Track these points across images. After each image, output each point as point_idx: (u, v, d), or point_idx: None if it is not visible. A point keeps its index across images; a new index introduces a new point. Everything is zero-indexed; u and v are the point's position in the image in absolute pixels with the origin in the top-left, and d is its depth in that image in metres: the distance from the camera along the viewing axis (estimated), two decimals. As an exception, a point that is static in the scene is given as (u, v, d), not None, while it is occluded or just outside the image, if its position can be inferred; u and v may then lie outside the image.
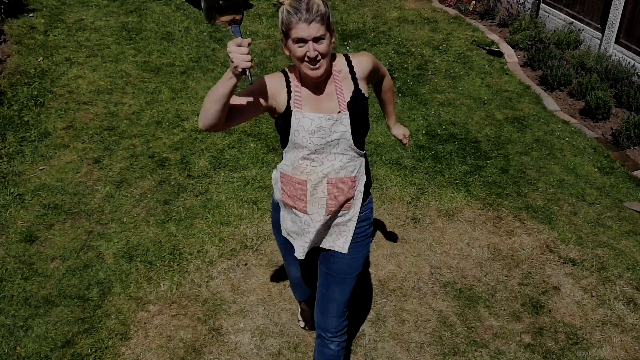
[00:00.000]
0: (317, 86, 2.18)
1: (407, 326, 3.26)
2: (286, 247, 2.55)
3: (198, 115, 2.18)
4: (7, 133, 4.68)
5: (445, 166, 4.58)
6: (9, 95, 5.17)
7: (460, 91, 5.69)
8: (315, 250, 2.47)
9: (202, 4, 2.08)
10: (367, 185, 2.37)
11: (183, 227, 3.88)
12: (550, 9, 6.98)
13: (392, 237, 3.87)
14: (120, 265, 3.56)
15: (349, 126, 2.17)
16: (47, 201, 4.03)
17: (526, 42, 6.59)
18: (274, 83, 2.16)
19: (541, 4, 7.11)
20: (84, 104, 5.17)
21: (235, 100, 2.09)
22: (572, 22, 6.61)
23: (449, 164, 4.60)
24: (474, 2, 7.72)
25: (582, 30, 6.49)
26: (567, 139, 5.02)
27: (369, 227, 2.44)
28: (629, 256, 3.79)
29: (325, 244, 2.38)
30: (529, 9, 7.28)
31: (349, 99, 2.19)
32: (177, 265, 3.59)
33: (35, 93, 5.23)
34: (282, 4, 2.04)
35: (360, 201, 2.32)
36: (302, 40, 2.02)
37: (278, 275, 3.54)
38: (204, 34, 6.57)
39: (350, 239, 2.35)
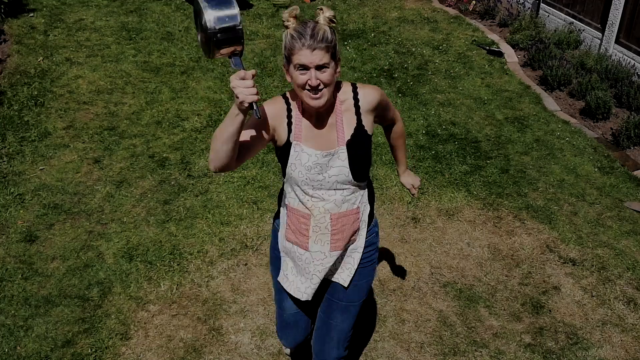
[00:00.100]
0: (318, 117, 2.06)
1: (407, 326, 3.26)
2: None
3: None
4: (7, 133, 4.68)
5: (446, 166, 4.58)
6: (9, 95, 5.17)
7: (460, 91, 5.69)
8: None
9: (198, 37, 1.87)
10: (371, 216, 2.26)
11: (183, 227, 3.88)
12: (551, 9, 6.98)
13: (391, 237, 3.87)
14: (120, 265, 3.56)
15: (346, 161, 2.05)
16: (47, 201, 4.03)
17: (526, 42, 6.59)
18: (275, 112, 2.04)
19: (541, 4, 7.11)
20: (84, 103, 5.17)
21: (241, 136, 1.93)
22: (572, 22, 6.61)
23: (449, 164, 4.61)
24: (474, 2, 7.72)
25: (582, 30, 6.49)
26: (567, 138, 5.02)
27: (375, 252, 2.33)
28: (629, 256, 3.79)
29: (328, 276, 2.26)
30: (529, 8, 7.28)
31: (349, 137, 2.06)
32: (177, 265, 3.59)
33: (36, 93, 5.23)
34: (286, 27, 1.92)
35: (365, 231, 2.22)
36: (304, 67, 1.90)
37: (278, 275, 3.54)
38: (204, 33, 6.57)
39: (353, 271, 2.24)
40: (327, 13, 1.92)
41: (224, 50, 1.79)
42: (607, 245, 3.88)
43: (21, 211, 3.94)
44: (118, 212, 3.97)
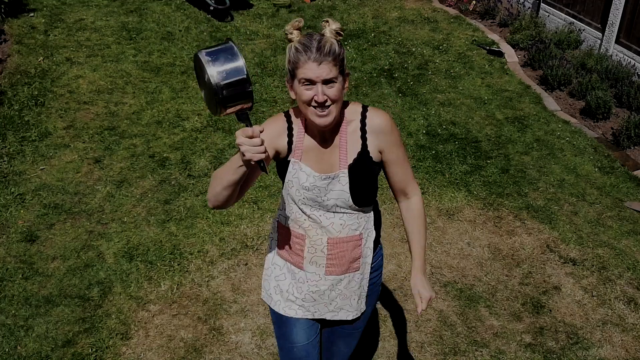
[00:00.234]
0: (322, 136, 1.92)
1: (408, 326, 3.26)
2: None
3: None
4: (7, 133, 4.68)
5: (446, 166, 4.58)
6: (10, 95, 5.17)
7: (460, 91, 5.69)
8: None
9: (203, 94, 1.73)
10: (376, 242, 2.11)
11: (183, 226, 3.88)
12: (551, 8, 6.98)
13: (392, 237, 3.88)
14: (120, 265, 3.56)
15: (347, 186, 1.91)
16: (47, 201, 4.03)
17: (526, 42, 6.59)
18: (275, 133, 1.91)
19: (541, 3, 7.11)
20: (85, 103, 5.17)
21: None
22: (573, 22, 6.61)
23: (449, 164, 4.61)
24: (474, 1, 7.72)
25: (583, 30, 6.49)
26: (568, 138, 5.02)
27: (379, 277, 2.21)
28: (629, 256, 3.79)
29: (327, 315, 2.10)
30: (529, 8, 7.28)
31: (352, 160, 1.92)
32: (178, 264, 3.59)
33: (36, 93, 5.23)
34: (290, 40, 1.79)
35: (371, 259, 2.06)
36: (310, 82, 1.76)
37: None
38: (204, 33, 6.57)
39: (360, 314, 2.12)
40: (334, 25, 1.79)
41: (231, 109, 1.63)
42: (607, 245, 3.88)
43: (22, 211, 3.94)
44: (118, 212, 3.98)
